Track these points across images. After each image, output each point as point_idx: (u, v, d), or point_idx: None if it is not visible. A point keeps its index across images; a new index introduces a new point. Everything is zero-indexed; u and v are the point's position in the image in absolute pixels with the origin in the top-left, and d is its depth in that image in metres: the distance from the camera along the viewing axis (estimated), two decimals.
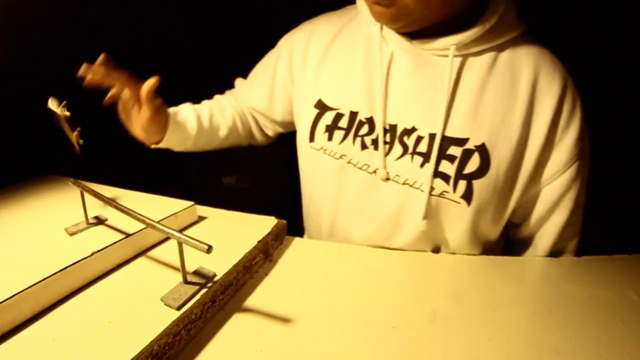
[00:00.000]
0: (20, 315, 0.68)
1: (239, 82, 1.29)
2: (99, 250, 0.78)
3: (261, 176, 2.54)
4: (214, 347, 0.66)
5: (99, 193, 0.84)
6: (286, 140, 2.78)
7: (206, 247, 0.63)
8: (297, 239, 0.98)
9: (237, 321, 0.72)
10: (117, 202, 0.81)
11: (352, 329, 0.68)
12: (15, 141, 1.59)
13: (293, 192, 1.26)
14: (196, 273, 0.75)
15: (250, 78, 1.23)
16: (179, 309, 0.66)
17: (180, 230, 0.84)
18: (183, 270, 0.71)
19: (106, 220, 0.93)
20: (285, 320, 0.71)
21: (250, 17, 2.44)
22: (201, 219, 1.01)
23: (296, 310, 0.74)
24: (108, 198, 0.82)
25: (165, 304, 0.68)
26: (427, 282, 0.82)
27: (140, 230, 0.85)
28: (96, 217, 0.93)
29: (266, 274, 0.84)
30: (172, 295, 0.69)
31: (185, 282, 0.72)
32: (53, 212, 1.03)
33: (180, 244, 0.68)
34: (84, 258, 0.76)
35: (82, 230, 0.89)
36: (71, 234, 0.88)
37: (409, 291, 0.79)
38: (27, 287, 0.68)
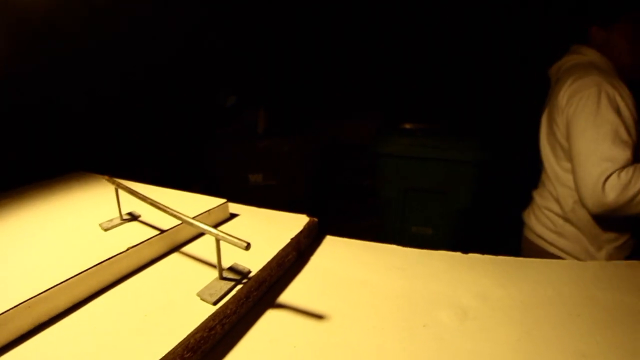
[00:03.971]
0: (56, 307, 0.69)
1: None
2: (134, 246, 0.79)
3: (287, 174, 2.56)
4: (247, 342, 0.66)
5: (134, 190, 0.86)
6: (311, 140, 2.81)
7: (245, 244, 0.64)
8: (328, 237, 0.98)
9: (270, 317, 0.72)
10: (152, 200, 0.82)
11: (384, 326, 0.68)
12: (45, 139, 1.62)
13: (318, 190, 1.27)
14: (231, 269, 0.75)
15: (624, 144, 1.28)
16: (215, 304, 0.66)
17: (213, 227, 0.85)
18: (219, 266, 0.71)
19: (139, 216, 0.94)
20: (318, 316, 0.71)
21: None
22: (233, 216, 1.02)
23: (328, 307, 0.73)
24: (143, 195, 0.83)
25: (201, 299, 0.68)
26: (456, 281, 0.81)
27: (175, 226, 0.86)
28: (129, 214, 0.94)
29: (298, 271, 0.84)
30: (208, 290, 0.69)
31: (221, 277, 0.72)
32: (87, 208, 1.05)
33: (217, 241, 0.68)
34: (120, 253, 0.77)
35: (116, 226, 0.91)
36: (105, 230, 0.89)
37: (439, 290, 0.78)
38: (62, 280, 0.69)
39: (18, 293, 0.67)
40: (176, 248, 0.87)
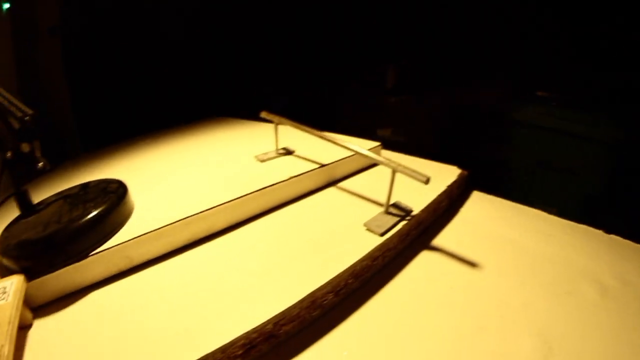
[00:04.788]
0: (215, 225, 0.75)
1: None
2: (295, 176, 0.82)
3: (415, 132, 2.52)
4: (404, 277, 0.67)
5: (297, 124, 0.88)
6: (439, 100, 2.73)
7: (425, 178, 0.63)
8: (475, 192, 0.96)
9: (425, 257, 0.71)
10: (319, 133, 0.84)
11: (530, 285, 0.65)
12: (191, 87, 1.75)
13: (443, 153, 1.22)
14: (395, 205, 0.75)
15: None
16: (382, 235, 0.66)
17: (366, 168, 0.86)
18: (388, 199, 0.71)
19: (294, 151, 0.97)
20: (470, 264, 0.70)
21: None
22: None
23: (478, 257, 0.71)
24: (309, 128, 0.86)
25: (367, 229, 0.69)
26: (597, 258, 0.77)
27: (340, 160, 0.89)
28: (284, 148, 0.98)
29: (449, 220, 0.83)
30: (374, 222, 0.69)
31: (387, 212, 0.72)
32: (239, 143, 1.11)
33: (393, 173, 0.68)
34: (282, 181, 0.80)
35: (271, 159, 0.94)
36: (262, 161, 0.93)
37: (581, 262, 0.74)
38: (222, 202, 0.74)
39: (179, 211, 0.73)
40: (332, 183, 0.89)
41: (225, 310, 0.56)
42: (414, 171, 0.64)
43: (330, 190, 0.86)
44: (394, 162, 0.68)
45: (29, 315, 0.64)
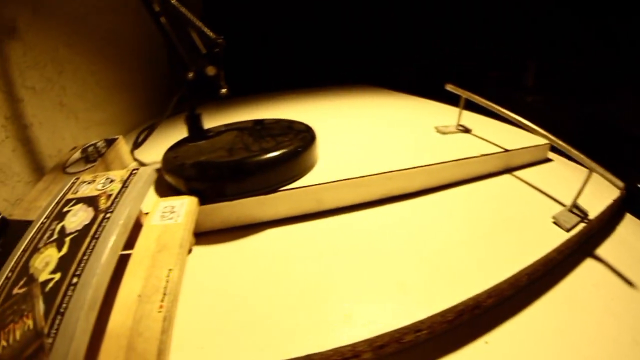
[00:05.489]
0: (410, 186, 0.81)
1: None
2: (487, 154, 0.87)
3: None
4: (573, 278, 0.70)
5: (487, 101, 0.93)
6: (580, 102, 2.52)
7: (621, 184, 0.67)
8: (628, 215, 0.94)
9: (589, 264, 0.74)
10: (515, 116, 0.88)
11: None
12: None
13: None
14: (575, 206, 0.78)
15: None
16: (568, 231, 0.71)
17: (527, 165, 0.91)
18: (576, 197, 0.76)
19: (471, 130, 1.02)
20: (627, 281, 0.71)
21: None
22: (548, 160, 1.03)
23: (634, 277, 0.72)
24: (501, 109, 0.90)
25: (554, 222, 0.73)
26: None
27: (520, 148, 0.93)
28: (462, 126, 1.03)
29: (607, 235, 0.84)
30: (562, 217, 0.74)
31: (570, 210, 0.77)
32: (413, 112, 1.19)
33: (590, 172, 0.72)
34: (475, 156, 0.86)
35: (452, 133, 1.00)
36: (442, 133, 1.00)
37: None
38: (422, 165, 0.80)
39: (370, 165, 0.79)
40: (507, 170, 0.93)
41: (434, 272, 0.60)
42: (611, 175, 0.68)
43: (506, 177, 0.91)
44: (591, 161, 0.71)
45: (192, 240, 0.63)
